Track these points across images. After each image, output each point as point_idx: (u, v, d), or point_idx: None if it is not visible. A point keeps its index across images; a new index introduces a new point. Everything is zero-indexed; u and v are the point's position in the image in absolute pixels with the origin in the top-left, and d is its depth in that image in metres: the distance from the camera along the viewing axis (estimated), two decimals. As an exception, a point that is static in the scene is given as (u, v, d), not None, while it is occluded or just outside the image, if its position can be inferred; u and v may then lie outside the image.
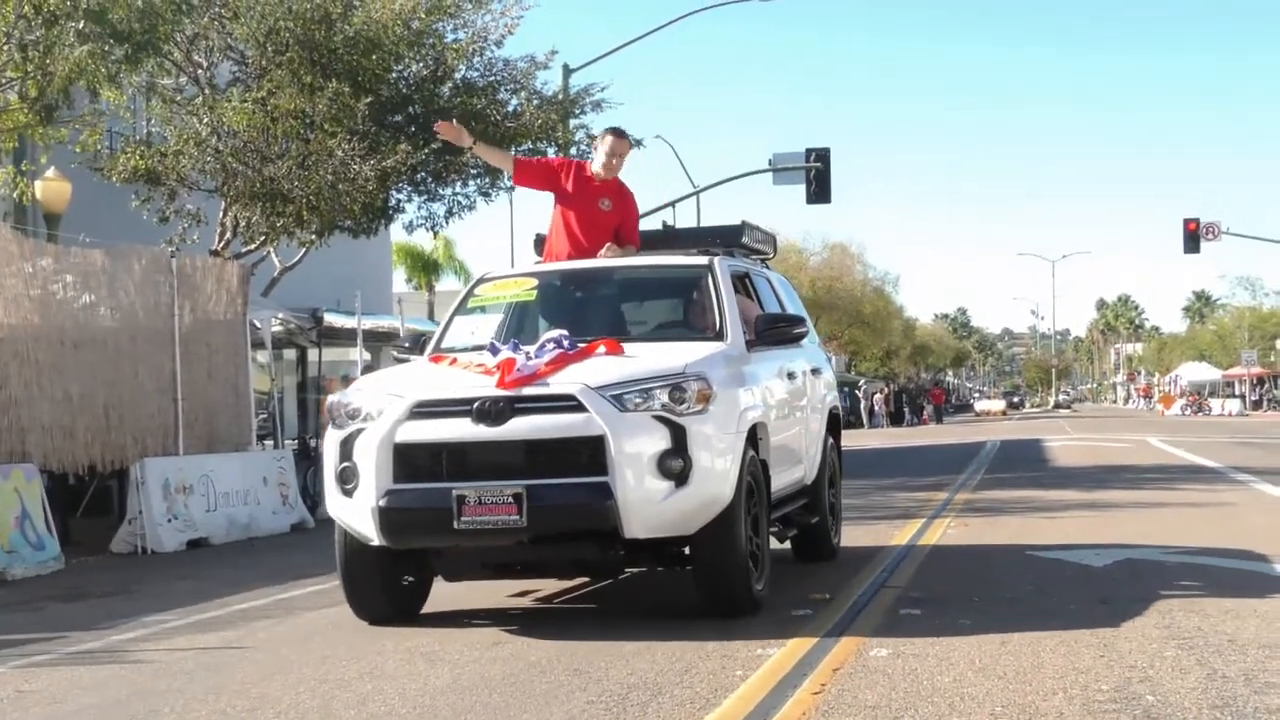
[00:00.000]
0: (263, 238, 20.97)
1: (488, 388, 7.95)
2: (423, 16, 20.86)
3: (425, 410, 8.04)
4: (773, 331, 9.47)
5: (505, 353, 8.24)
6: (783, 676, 6.69)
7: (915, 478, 22.86)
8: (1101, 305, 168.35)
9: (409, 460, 8.00)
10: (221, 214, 20.97)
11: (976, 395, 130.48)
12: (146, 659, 7.99)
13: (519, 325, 9.48)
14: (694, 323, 9.44)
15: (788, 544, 10.78)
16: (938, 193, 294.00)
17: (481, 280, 10.11)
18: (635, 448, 7.74)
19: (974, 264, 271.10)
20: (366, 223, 21.82)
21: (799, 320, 10.00)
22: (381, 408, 8.07)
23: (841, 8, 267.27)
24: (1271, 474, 20.62)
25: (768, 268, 11.50)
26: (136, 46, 17.15)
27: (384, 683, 6.93)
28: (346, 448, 8.13)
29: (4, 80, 16.96)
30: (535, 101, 23.07)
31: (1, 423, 13.32)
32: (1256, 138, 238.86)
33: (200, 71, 21.28)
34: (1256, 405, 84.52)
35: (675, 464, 7.76)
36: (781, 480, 9.51)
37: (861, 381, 77.10)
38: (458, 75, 21.98)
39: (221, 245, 20.95)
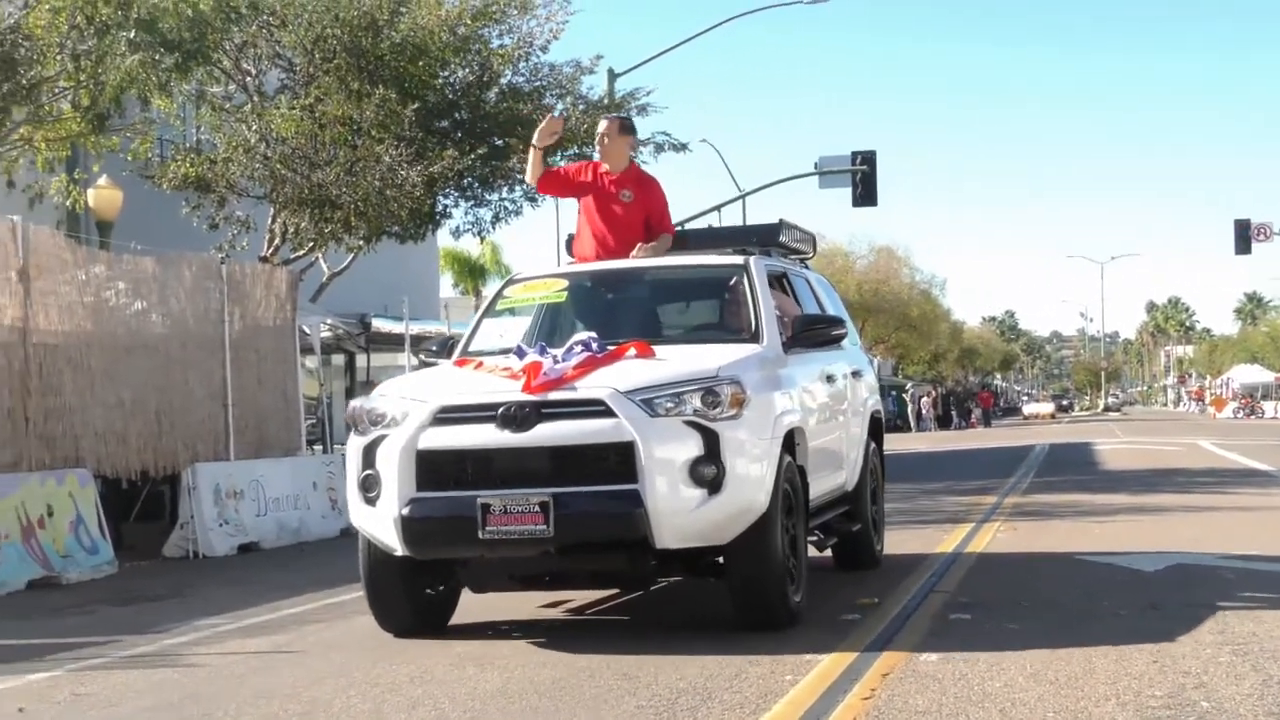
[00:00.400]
0: (311, 244, 21.10)
1: (514, 392, 7.75)
2: (469, 22, 20.95)
3: (449, 416, 7.83)
4: (810, 333, 9.21)
5: (532, 356, 8.04)
6: (832, 682, 6.66)
7: (963, 481, 22.74)
8: (1151, 307, 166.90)
9: (432, 467, 7.79)
10: (270, 220, 21.12)
11: (1025, 398, 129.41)
12: (199, 663, 8.06)
13: (549, 328, 9.28)
14: (729, 324, 9.21)
15: (828, 552, 10.50)
16: (985, 195, 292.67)
17: (510, 281, 9.96)
18: (666, 454, 7.54)
19: (1022, 266, 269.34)
20: (414, 228, 21.93)
21: (838, 321, 9.74)
22: (405, 413, 7.87)
23: (889, 9, 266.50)
24: (1325, 477, 20.41)
25: (807, 268, 11.19)
26: (186, 55, 17.31)
27: (434, 687, 6.95)
28: (369, 455, 7.93)
29: (57, 90, 17.15)
30: (580, 106, 23.16)
31: (56, 429, 13.46)
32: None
33: (249, 79, 21.45)
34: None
35: (708, 471, 7.54)
36: (820, 487, 9.24)
37: (909, 385, 76.81)
38: (503, 80, 22.08)
39: (270, 251, 21.10)
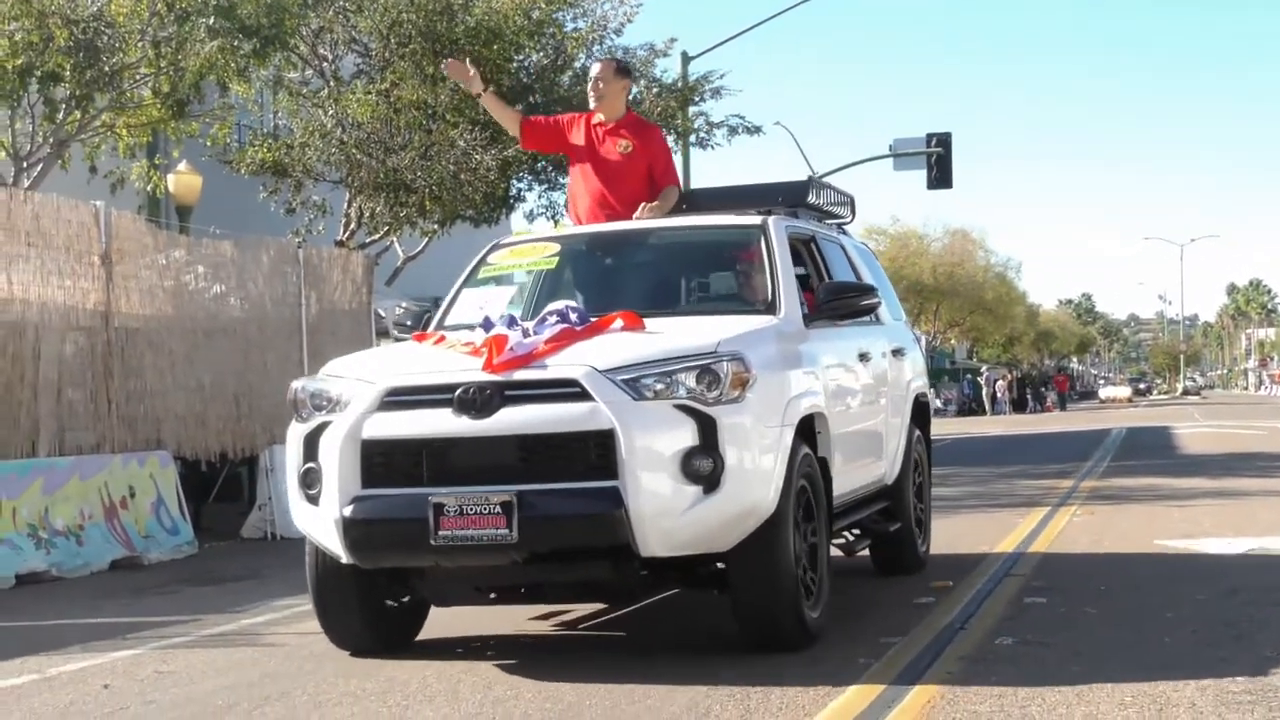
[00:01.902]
0: (386, 228, 21.26)
1: (473, 371, 6.55)
2: (543, 6, 20.98)
3: (399, 399, 6.64)
4: (837, 303, 7.88)
5: (499, 328, 6.83)
6: (908, 663, 6.62)
7: (1039, 465, 22.53)
8: (1232, 290, 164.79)
9: (379, 460, 6.61)
10: (346, 205, 21.29)
11: (1102, 382, 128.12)
12: (278, 642, 8.13)
13: (539, 299, 8.13)
14: (742, 293, 8.10)
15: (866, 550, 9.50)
16: (1062, 177, 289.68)
17: (496, 246, 8.69)
18: (652, 444, 6.31)
19: (1099, 249, 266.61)
20: (488, 212, 22.06)
21: (868, 289, 8.33)
22: (351, 396, 6.72)
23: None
24: None
25: (844, 233, 9.94)
26: (264, 41, 17.46)
27: (511, 663, 6.98)
28: (310, 445, 6.78)
29: (138, 76, 17.36)
30: (655, 89, 23.17)
31: (138, 411, 13.66)
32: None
33: (325, 64, 21.63)
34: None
35: (703, 464, 6.34)
36: (850, 481, 8.14)
37: (984, 368, 76.30)
38: (577, 64, 22.11)
39: (346, 236, 21.27)
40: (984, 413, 64.24)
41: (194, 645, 8.16)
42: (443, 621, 7.84)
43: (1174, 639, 7.13)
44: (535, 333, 6.79)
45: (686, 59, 26.74)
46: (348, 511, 6.54)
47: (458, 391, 6.47)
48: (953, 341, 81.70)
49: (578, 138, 8.63)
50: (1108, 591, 8.77)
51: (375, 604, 7.26)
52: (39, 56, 16.13)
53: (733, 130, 24.50)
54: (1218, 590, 8.66)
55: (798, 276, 8.11)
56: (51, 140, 17.25)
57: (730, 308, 7.89)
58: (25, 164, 17.19)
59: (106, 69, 16.76)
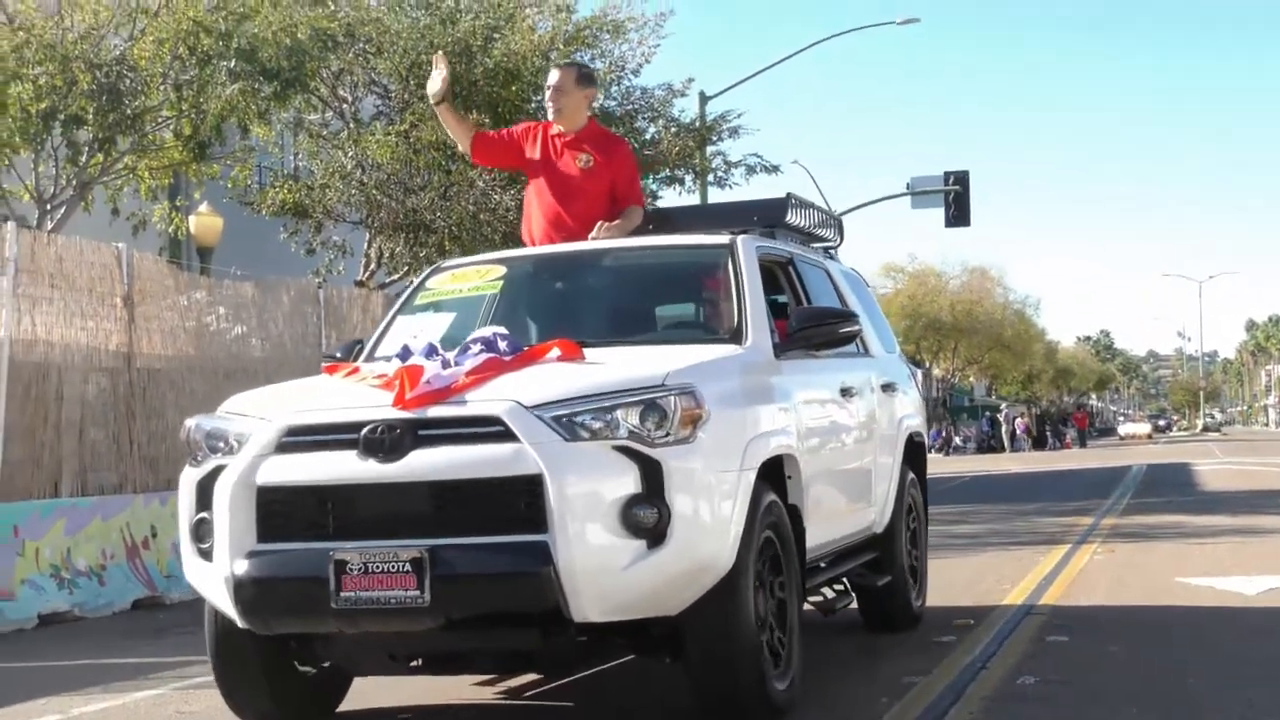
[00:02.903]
0: (406, 268, 21.33)
1: (383, 408, 5.65)
2: (561, 47, 21.06)
3: (298, 439, 5.70)
4: (812, 331, 6.94)
5: (417, 358, 5.97)
6: (929, 703, 6.54)
7: (1059, 502, 22.41)
8: (1251, 326, 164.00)
9: (277, 509, 5.68)
10: (366, 245, 21.40)
11: (1121, 419, 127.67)
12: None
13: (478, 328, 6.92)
14: (706, 320, 7.21)
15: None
16: (1080, 214, 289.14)
17: (437, 269, 7.83)
18: (587, 492, 5.38)
19: (1118, 286, 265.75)
20: (507, 251, 22.10)
21: (848, 316, 7.33)
22: (248, 436, 5.80)
23: (981, 27, 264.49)
24: None
25: (831, 257, 9.02)
26: (285, 84, 17.57)
27: None
28: (204, 492, 5.83)
29: (160, 119, 17.48)
30: (673, 129, 23.21)
31: (159, 451, 13.69)
32: None
33: (345, 106, 21.77)
34: None
35: (646, 515, 5.40)
36: (829, 531, 7.18)
37: (1003, 405, 76.14)
38: (596, 104, 22.17)
39: (366, 276, 21.37)
40: (1003, 450, 64.00)
41: (215, 686, 8.14)
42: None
43: (1198, 680, 7.07)
44: (457, 363, 5.89)
45: (704, 99, 26.85)
46: (239, 569, 5.62)
47: (364, 431, 5.55)
48: (971, 379, 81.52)
49: (533, 151, 7.76)
50: (1130, 630, 8.71)
51: (285, 671, 6.26)
52: (62, 100, 16.26)
53: (750, 169, 24.52)
54: (1242, 630, 8.61)
55: (776, 303, 7.36)
56: (74, 183, 17.37)
57: (691, 336, 7.03)
58: (49, 206, 17.31)
59: (129, 112, 16.88)
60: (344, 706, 6.70)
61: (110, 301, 13.39)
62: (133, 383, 13.49)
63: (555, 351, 6.10)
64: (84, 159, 17.17)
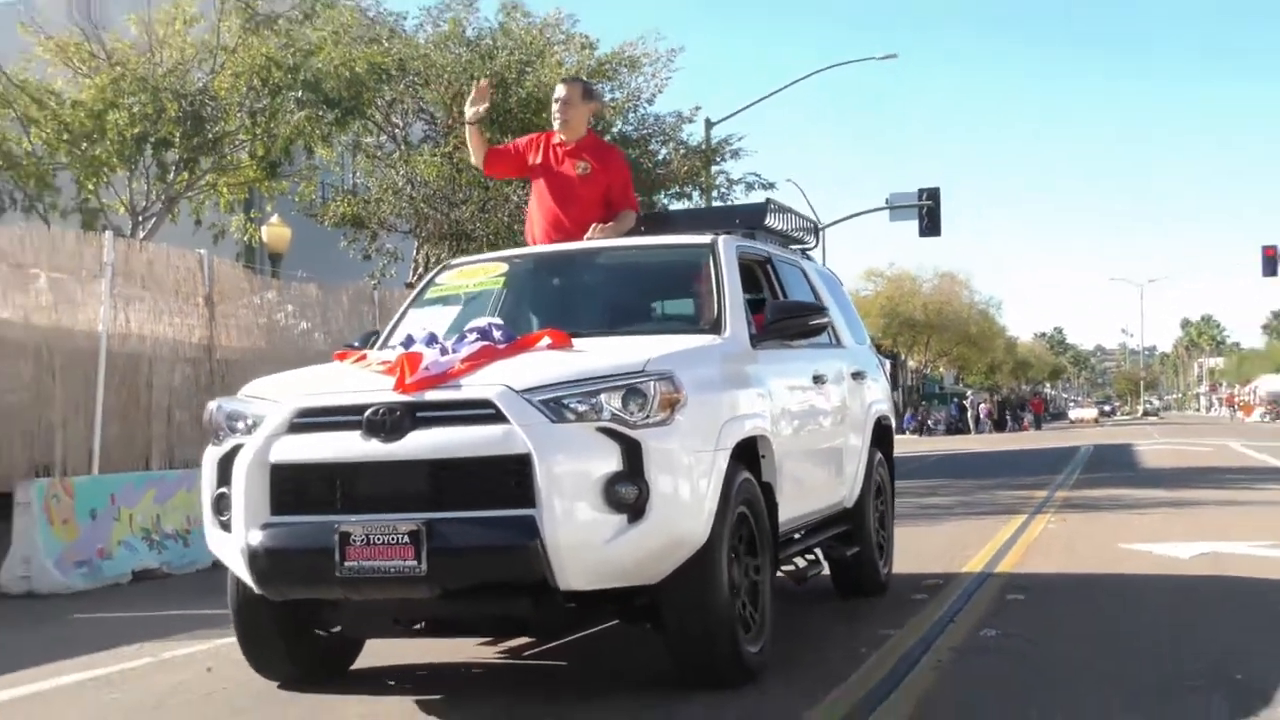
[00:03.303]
0: (450, 272, 21.34)
1: (384, 391, 5.44)
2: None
3: (308, 421, 5.50)
4: (786, 322, 6.67)
5: (417, 346, 5.75)
6: (903, 653, 6.55)
7: (1017, 478, 22.39)
8: (1186, 324, 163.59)
9: (287, 485, 5.47)
10: (415, 252, 21.42)
11: (1071, 404, 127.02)
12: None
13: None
14: (688, 313, 6.91)
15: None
16: (1038, 224, 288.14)
17: (445, 267, 7.55)
18: (572, 470, 5.16)
19: (1070, 288, 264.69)
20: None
21: (818, 309, 7.02)
22: (262, 417, 5.61)
23: (953, 60, 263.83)
24: (1345, 475, 19.86)
25: (808, 258, 8.70)
26: (345, 111, 17.63)
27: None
28: (224, 469, 5.65)
29: (237, 142, 17.53)
30: (682, 151, 23.22)
31: (235, 430, 13.73)
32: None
33: (397, 131, 21.78)
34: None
35: (627, 491, 5.20)
36: (802, 506, 6.92)
37: (969, 393, 76.01)
38: (615, 129, 22.16)
39: (415, 278, 21.36)
40: (969, 431, 63.83)
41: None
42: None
43: (1139, 631, 7.07)
44: (454, 351, 5.66)
45: (709, 125, 26.80)
46: (254, 540, 5.42)
47: (367, 413, 5.34)
48: (941, 370, 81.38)
49: (536, 158, 7.55)
50: (1080, 590, 8.71)
51: (301, 634, 6.04)
52: (153, 126, 16.32)
53: (749, 186, 24.48)
54: (1176, 588, 8.59)
55: (754, 299, 7.06)
56: (163, 197, 17.43)
57: (674, 327, 6.67)
58: (140, 218, 17.37)
59: (210, 136, 16.96)
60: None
61: (193, 301, 13.43)
62: (213, 371, 13.54)
63: (546, 340, 5.88)
64: (171, 177, 17.24)
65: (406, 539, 5.16)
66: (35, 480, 10.97)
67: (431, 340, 5.79)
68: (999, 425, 69.88)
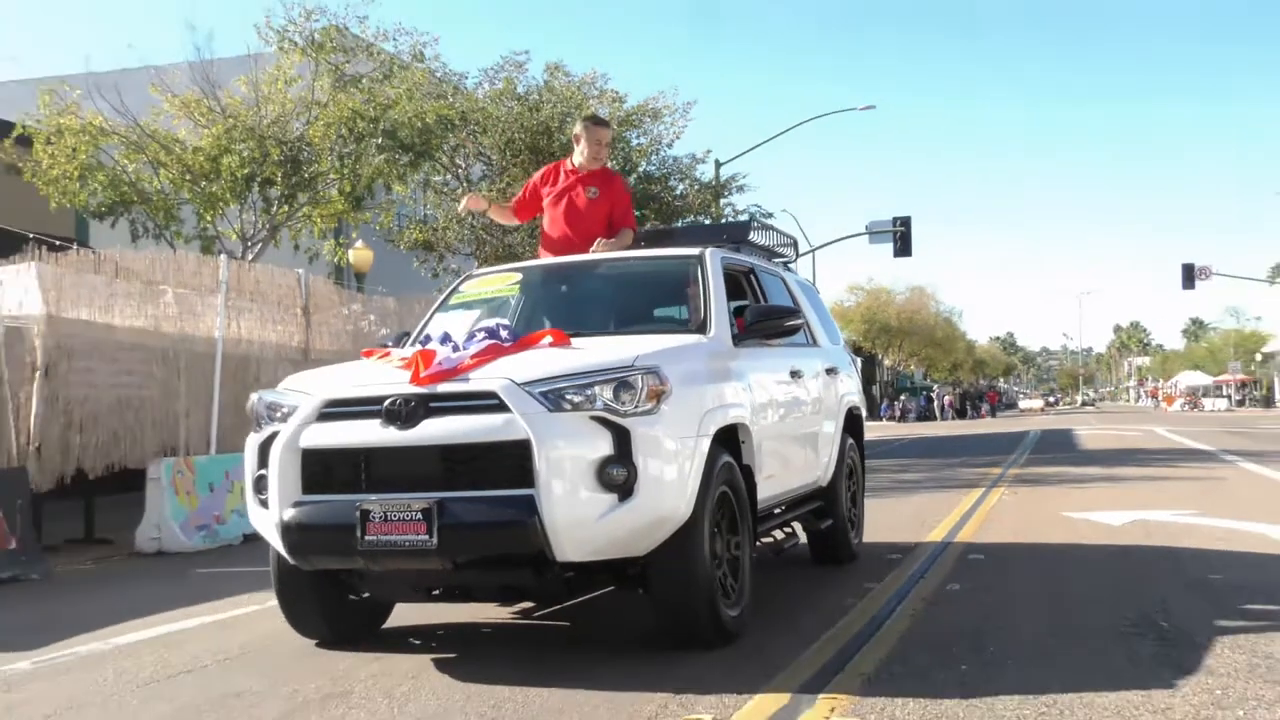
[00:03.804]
0: (504, 287, 21.38)
1: (401, 384, 5.20)
2: (616, 128, 21.12)
3: (334, 410, 5.27)
4: (764, 324, 6.41)
5: (433, 345, 5.52)
6: (883, 603, 6.54)
7: (976, 457, 22.31)
8: (1117, 329, 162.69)
9: (316, 468, 5.25)
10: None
11: (1021, 396, 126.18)
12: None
13: (515, 321, 6.56)
14: (678, 316, 6.58)
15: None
16: (994, 243, 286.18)
17: (469, 277, 7.26)
18: (567, 454, 4.91)
19: (1019, 298, 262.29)
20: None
21: (792, 312, 6.71)
22: (295, 407, 5.38)
23: (924, 104, 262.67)
24: (1253, 455, 19.68)
25: (788, 269, 8.43)
26: (417, 155, 17.69)
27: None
28: (263, 453, 5.43)
29: (328, 180, 17.61)
30: (696, 187, 23.23)
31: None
32: (1247, 187, 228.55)
33: (460, 170, 21.85)
34: (1240, 403, 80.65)
35: (617, 473, 4.93)
36: (780, 485, 6.61)
37: (935, 386, 75.76)
38: (640, 169, 22.21)
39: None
40: (935, 419, 63.57)
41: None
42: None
43: (1080, 583, 7.05)
44: (464, 348, 5.43)
45: (718, 165, 26.80)
46: (287, 516, 5.22)
47: (385, 403, 5.11)
48: (912, 367, 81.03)
49: (550, 187, 7.35)
50: (1030, 551, 8.67)
51: (336, 599, 5.81)
52: (259, 168, 16.41)
53: (752, 217, 24.49)
54: (1110, 549, 8.56)
55: (741, 304, 6.82)
56: (267, 227, 17.51)
57: (666, 328, 6.35)
58: (249, 244, 17.47)
59: (306, 176, 17.02)
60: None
61: (292, 311, 13.51)
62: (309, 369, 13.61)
63: (548, 339, 5.62)
64: (274, 209, 17.32)
65: (419, 516, 4.93)
66: (164, 459, 11.08)
67: (445, 339, 5.56)
68: (961, 414, 69.51)
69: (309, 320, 13.72)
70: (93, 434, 11.16)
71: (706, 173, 25.40)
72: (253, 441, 5.52)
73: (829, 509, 7.69)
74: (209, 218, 17.02)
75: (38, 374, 10.67)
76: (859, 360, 14.01)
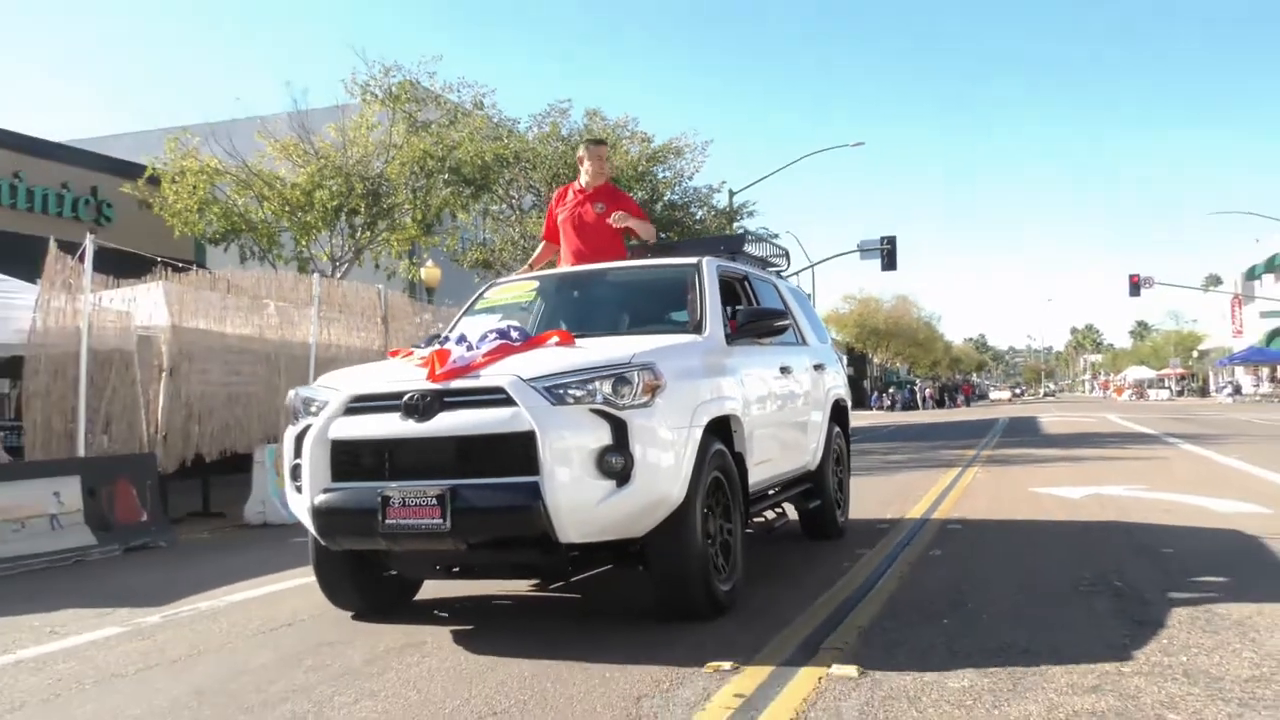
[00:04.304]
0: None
1: (419, 381, 4.90)
2: (644, 164, 21.13)
3: (359, 405, 4.97)
4: (753, 325, 6.02)
5: (450, 345, 5.18)
6: (872, 569, 6.46)
7: (953, 440, 22.10)
8: (1074, 330, 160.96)
9: (343, 457, 4.96)
10: (527, 285, 21.48)
11: (992, 388, 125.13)
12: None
13: (537, 324, 6.25)
14: (677, 318, 6.09)
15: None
16: (967, 255, 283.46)
17: (492, 285, 6.84)
18: (569, 444, 4.57)
19: (990, 303, 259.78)
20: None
21: (780, 314, 6.28)
22: (326, 402, 5.08)
23: (909, 135, 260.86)
24: (1192, 438, 19.36)
25: (781, 277, 7.99)
26: (478, 188, 17.72)
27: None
28: (298, 444, 5.12)
29: (403, 210, 17.70)
30: (712, 213, 23.16)
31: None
32: (1185, 206, 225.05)
33: (513, 200, 21.89)
34: (1179, 394, 79.60)
35: (616, 461, 4.59)
36: (771, 470, 6.22)
37: (917, 380, 75.20)
38: (666, 198, 22.16)
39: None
40: (918, 408, 63.10)
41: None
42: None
43: (1045, 547, 6.94)
44: (477, 348, 5.08)
45: (732, 194, 26.72)
46: (318, 501, 4.93)
47: (404, 398, 4.80)
48: (898, 364, 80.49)
49: (562, 209, 7.03)
50: (1002, 521, 8.56)
51: (369, 575, 5.50)
52: (346, 200, 16.51)
53: (746, 231, 24.44)
54: (1070, 520, 8.43)
55: (736, 308, 6.39)
56: (352, 249, 17.61)
57: (665, 329, 5.87)
58: (337, 264, 17.58)
59: (385, 206, 17.10)
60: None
61: (373, 321, 13.55)
62: (388, 369, 13.63)
63: (555, 339, 5.24)
64: (358, 235, 17.41)
65: (434, 501, 4.60)
66: (267, 445, 11.13)
67: (461, 339, 5.19)
68: (940, 404, 68.89)
69: (387, 328, 13.76)
70: (208, 424, 11.24)
71: (722, 200, 25.34)
72: (290, 434, 5.22)
73: (818, 490, 7.35)
74: (304, 242, 17.15)
75: (164, 374, 10.78)
76: (845, 358, 13.62)
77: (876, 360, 72.54)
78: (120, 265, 10.65)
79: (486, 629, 5.21)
